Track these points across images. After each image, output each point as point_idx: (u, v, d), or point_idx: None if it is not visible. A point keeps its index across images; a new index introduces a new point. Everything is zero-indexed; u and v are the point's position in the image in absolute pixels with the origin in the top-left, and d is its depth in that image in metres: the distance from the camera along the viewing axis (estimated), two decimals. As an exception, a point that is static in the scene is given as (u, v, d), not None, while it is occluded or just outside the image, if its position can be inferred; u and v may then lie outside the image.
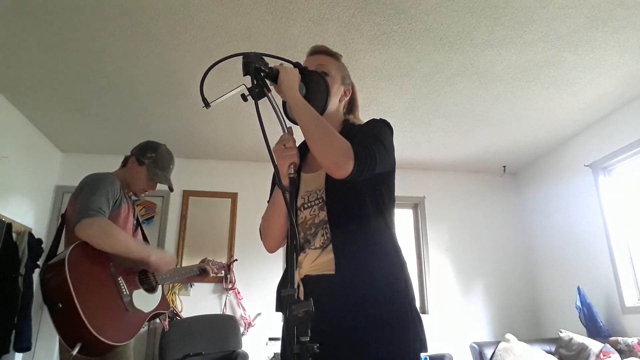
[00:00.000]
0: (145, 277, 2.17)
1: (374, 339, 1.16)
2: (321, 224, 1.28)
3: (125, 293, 1.99)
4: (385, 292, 1.20)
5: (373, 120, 1.37)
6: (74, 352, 1.74)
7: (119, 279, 2.00)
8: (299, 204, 1.34)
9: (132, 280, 2.08)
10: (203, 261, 2.64)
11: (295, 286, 1.26)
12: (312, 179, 1.34)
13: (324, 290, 1.21)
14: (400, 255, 1.28)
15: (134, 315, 2.01)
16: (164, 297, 2.24)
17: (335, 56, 1.48)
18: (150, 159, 2.29)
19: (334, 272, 1.22)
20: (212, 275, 2.63)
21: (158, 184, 2.35)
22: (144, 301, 2.09)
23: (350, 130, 1.37)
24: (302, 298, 1.24)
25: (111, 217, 2.07)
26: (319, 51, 1.47)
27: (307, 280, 1.27)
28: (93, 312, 1.77)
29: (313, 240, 1.29)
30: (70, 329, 1.76)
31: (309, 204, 1.32)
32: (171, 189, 2.42)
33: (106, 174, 2.17)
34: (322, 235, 1.28)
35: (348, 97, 1.48)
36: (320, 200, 1.30)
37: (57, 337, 1.86)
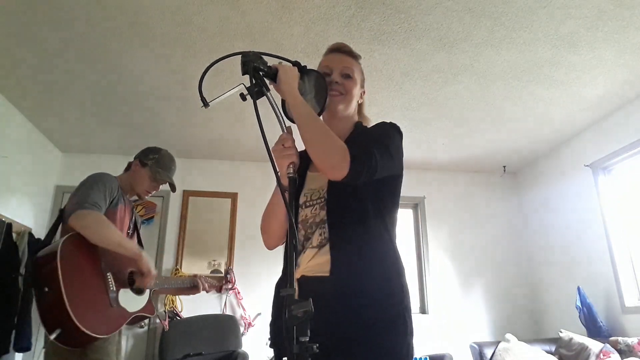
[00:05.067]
0: (135, 279, 2.20)
1: (364, 343, 1.14)
2: (321, 223, 1.28)
3: (112, 289, 2.02)
4: (379, 297, 1.18)
5: (382, 123, 1.37)
6: (52, 337, 1.77)
7: (108, 274, 2.04)
8: (301, 202, 1.34)
9: (121, 278, 2.11)
10: (195, 276, 2.60)
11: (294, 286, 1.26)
12: (317, 177, 1.34)
13: (317, 292, 1.18)
14: (398, 261, 1.27)
15: (118, 312, 2.03)
16: (150, 301, 2.26)
17: (357, 58, 1.47)
18: (153, 159, 2.38)
19: (328, 274, 1.21)
20: (202, 291, 2.55)
21: (161, 185, 2.43)
22: (130, 301, 2.11)
23: (360, 132, 1.37)
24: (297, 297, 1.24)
25: (107, 215, 2.12)
26: (344, 51, 1.46)
27: (302, 281, 1.26)
28: (77, 300, 1.81)
29: (312, 238, 1.29)
30: (52, 314, 1.80)
31: (310, 202, 1.32)
32: (174, 189, 2.49)
33: (106, 173, 2.24)
34: (320, 235, 1.27)
35: (363, 100, 1.49)
36: (322, 200, 1.30)
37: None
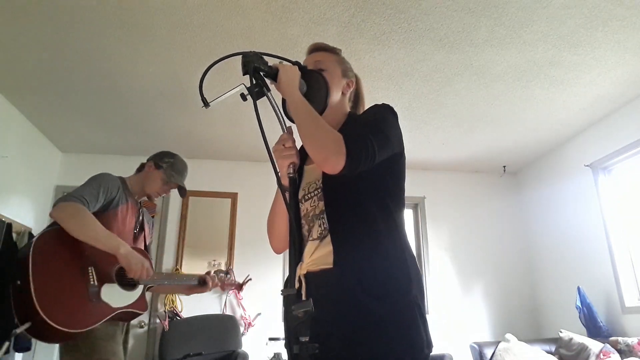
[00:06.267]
0: (126, 274, 2.11)
1: (369, 336, 1.10)
2: (320, 214, 1.26)
3: (92, 283, 1.96)
4: (383, 288, 1.13)
5: (373, 107, 1.34)
6: (19, 330, 1.74)
7: (90, 268, 1.98)
8: (300, 196, 1.33)
9: (106, 272, 2.04)
10: (208, 274, 2.54)
11: (297, 283, 1.24)
12: (313, 169, 1.32)
13: (323, 286, 1.19)
14: (403, 249, 1.21)
15: (97, 307, 1.96)
16: (142, 297, 2.18)
17: (332, 51, 1.47)
18: (168, 163, 2.41)
19: (331, 266, 1.18)
20: (211, 288, 2.49)
21: (170, 189, 2.46)
22: (115, 296, 2.04)
23: (352, 121, 1.36)
24: (304, 295, 1.22)
25: (107, 216, 2.10)
26: (315, 49, 1.47)
27: (309, 276, 1.24)
28: (46, 294, 1.77)
29: (312, 231, 1.27)
30: (22, 307, 1.77)
31: (309, 195, 1.31)
32: (184, 193, 2.50)
33: (108, 173, 2.22)
34: (320, 226, 1.25)
35: (352, 89, 1.47)
36: (319, 191, 1.28)
37: None
